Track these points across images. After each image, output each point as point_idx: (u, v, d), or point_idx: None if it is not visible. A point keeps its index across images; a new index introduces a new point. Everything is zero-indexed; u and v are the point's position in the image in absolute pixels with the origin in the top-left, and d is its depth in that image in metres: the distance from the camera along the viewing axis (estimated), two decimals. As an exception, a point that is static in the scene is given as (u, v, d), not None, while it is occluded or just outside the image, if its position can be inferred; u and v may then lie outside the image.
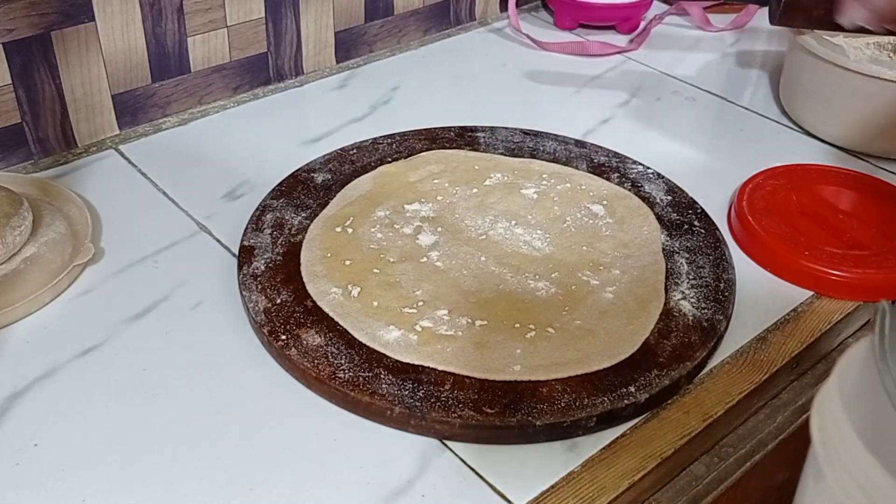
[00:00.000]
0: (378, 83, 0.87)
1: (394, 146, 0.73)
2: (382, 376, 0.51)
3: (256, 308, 0.56)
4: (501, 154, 0.73)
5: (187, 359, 0.55)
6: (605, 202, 0.67)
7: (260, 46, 0.83)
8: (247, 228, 0.63)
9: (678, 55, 0.95)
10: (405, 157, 0.72)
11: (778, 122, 0.83)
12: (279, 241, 0.62)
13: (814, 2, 0.68)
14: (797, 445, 0.63)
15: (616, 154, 0.73)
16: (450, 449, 0.50)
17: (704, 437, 0.53)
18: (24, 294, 0.57)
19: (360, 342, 0.54)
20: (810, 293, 0.62)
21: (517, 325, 0.55)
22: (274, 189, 0.67)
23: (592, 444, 0.50)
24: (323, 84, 0.87)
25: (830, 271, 0.61)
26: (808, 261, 0.62)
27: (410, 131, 0.75)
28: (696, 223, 0.65)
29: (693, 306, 0.57)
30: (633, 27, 0.99)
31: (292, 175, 0.69)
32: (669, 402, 0.53)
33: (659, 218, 0.66)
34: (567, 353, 0.53)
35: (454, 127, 0.76)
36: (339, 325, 0.55)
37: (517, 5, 1.00)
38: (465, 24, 0.99)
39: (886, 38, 0.83)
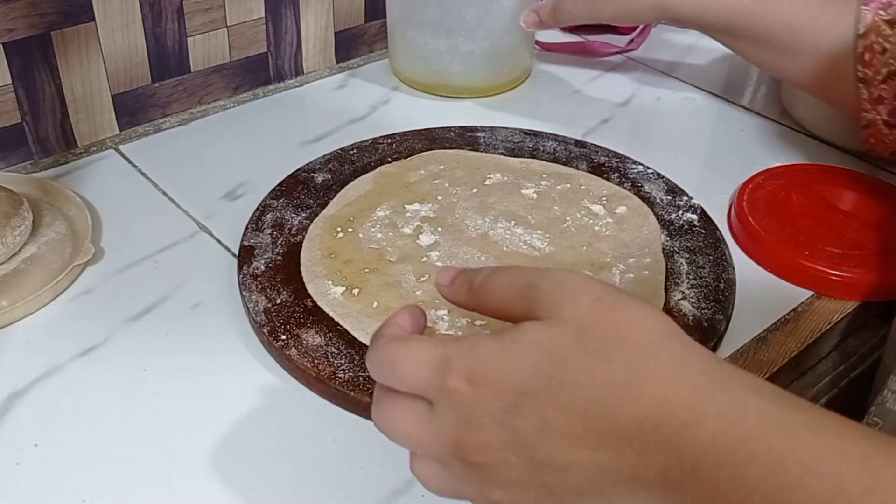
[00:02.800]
0: (378, 83, 0.87)
1: (394, 146, 0.73)
2: (382, 376, 0.51)
3: (256, 308, 0.56)
4: (501, 154, 0.73)
5: (187, 359, 0.55)
6: (604, 202, 0.67)
7: (260, 46, 0.83)
8: (247, 228, 0.63)
9: (678, 55, 0.95)
10: (405, 157, 0.72)
11: (778, 122, 0.83)
12: (279, 241, 0.62)
13: None
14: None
15: (616, 154, 0.73)
16: (450, 449, 0.50)
17: (704, 437, 0.53)
18: (24, 294, 0.57)
19: (360, 342, 0.54)
20: (810, 293, 0.62)
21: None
22: (274, 189, 0.67)
23: (592, 444, 0.50)
24: (323, 84, 0.87)
25: (830, 271, 0.61)
26: (808, 261, 0.62)
27: (410, 131, 0.75)
28: (696, 223, 0.65)
29: (693, 306, 0.57)
30: (633, 27, 0.99)
31: (292, 175, 0.69)
32: (669, 402, 0.53)
33: (659, 218, 0.66)
34: (567, 353, 0.53)
35: (454, 127, 0.76)
36: (339, 325, 0.55)
37: (517, 5, 1.00)
38: (465, 24, 0.99)
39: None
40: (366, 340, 0.54)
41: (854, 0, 0.65)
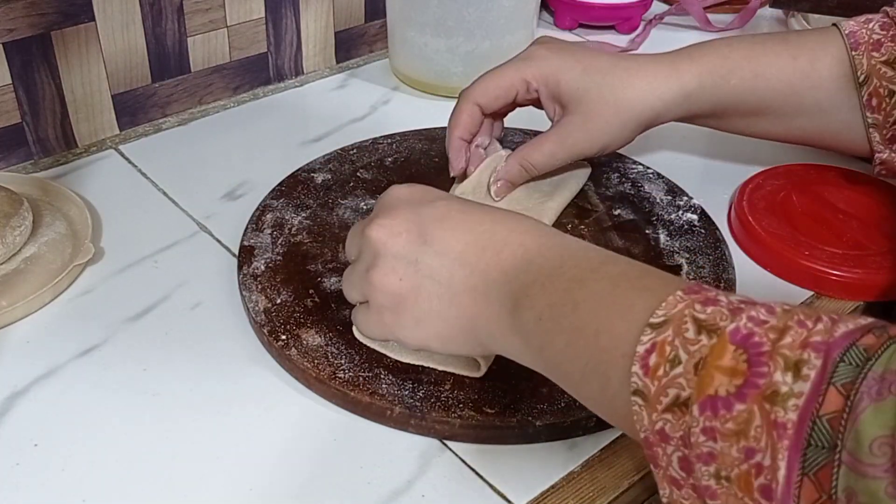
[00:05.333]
0: (378, 83, 0.87)
1: (394, 146, 0.73)
2: (382, 376, 0.51)
3: (256, 308, 0.56)
4: (501, 154, 0.73)
5: (187, 359, 0.55)
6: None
7: (260, 46, 0.83)
8: (247, 228, 0.63)
9: (678, 55, 0.95)
10: (405, 158, 0.72)
11: (778, 122, 0.83)
12: (279, 241, 0.62)
13: None
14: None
15: (616, 154, 0.73)
16: (450, 449, 0.50)
17: (704, 437, 0.53)
18: (24, 294, 0.57)
19: (361, 342, 0.53)
20: (810, 293, 0.62)
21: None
22: (274, 189, 0.67)
23: (592, 444, 0.50)
24: (323, 84, 0.87)
25: (830, 271, 0.61)
26: (808, 261, 0.62)
27: (410, 131, 0.75)
28: (696, 223, 0.65)
29: (693, 306, 0.57)
30: (633, 27, 0.99)
31: (292, 175, 0.69)
32: (669, 402, 0.53)
33: (659, 218, 0.66)
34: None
35: (454, 127, 0.76)
36: (339, 326, 0.55)
37: (517, 5, 1.00)
38: (465, 24, 0.99)
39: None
40: (366, 340, 0.53)
41: (835, 48, 0.63)
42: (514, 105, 0.65)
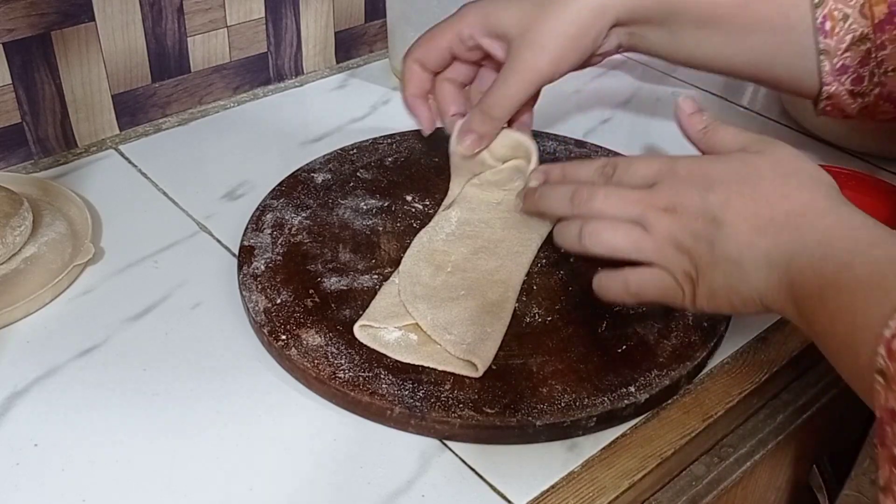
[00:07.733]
0: (378, 83, 0.87)
1: (394, 146, 0.73)
2: (382, 376, 0.51)
3: (256, 308, 0.56)
4: (501, 154, 0.73)
5: (187, 359, 0.55)
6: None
7: (260, 46, 0.83)
8: (247, 228, 0.63)
9: (678, 55, 0.95)
10: (405, 158, 0.72)
11: (778, 122, 0.83)
12: (279, 241, 0.62)
13: None
14: (797, 445, 0.63)
15: (616, 154, 0.73)
16: (450, 449, 0.50)
17: (704, 437, 0.53)
18: (24, 294, 0.57)
19: (360, 342, 0.53)
20: (810, 293, 0.62)
21: (517, 325, 0.55)
22: (274, 189, 0.67)
23: (592, 444, 0.50)
24: (323, 84, 0.87)
25: (830, 271, 0.61)
26: (808, 261, 0.62)
27: (410, 131, 0.75)
28: (696, 223, 0.65)
29: (693, 306, 0.57)
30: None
31: (292, 175, 0.69)
32: (669, 402, 0.53)
33: (659, 218, 0.65)
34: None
35: (454, 127, 0.76)
36: (339, 326, 0.55)
37: (517, 5, 0.99)
38: (465, 24, 0.99)
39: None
40: (366, 340, 0.53)
41: None
42: (459, 59, 0.65)
